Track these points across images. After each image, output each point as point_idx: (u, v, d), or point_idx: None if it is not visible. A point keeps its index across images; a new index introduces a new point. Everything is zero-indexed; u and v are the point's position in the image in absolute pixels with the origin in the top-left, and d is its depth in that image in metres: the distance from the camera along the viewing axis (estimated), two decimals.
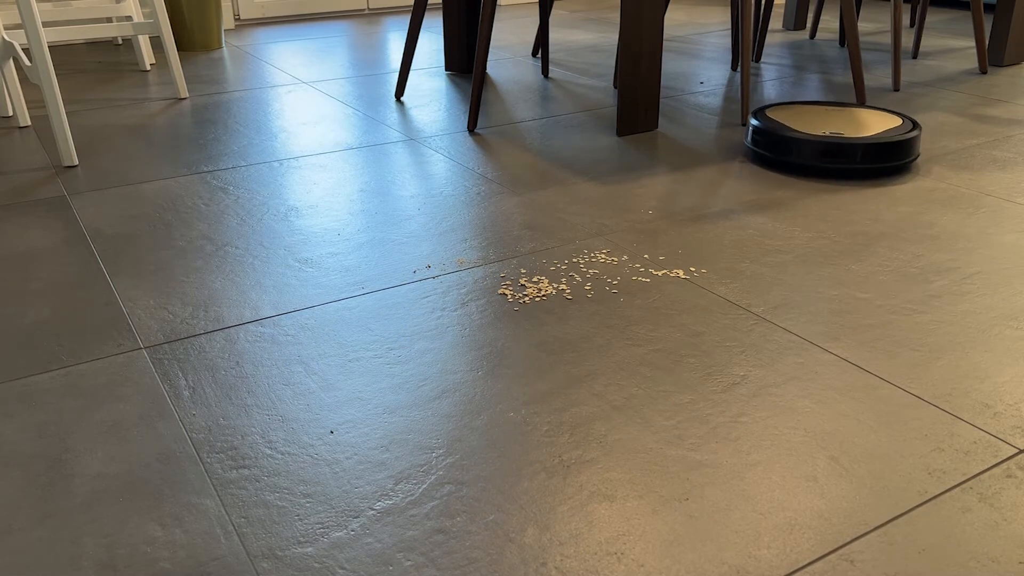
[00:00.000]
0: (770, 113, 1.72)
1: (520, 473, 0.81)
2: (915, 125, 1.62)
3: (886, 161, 1.55)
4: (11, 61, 1.83)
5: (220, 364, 1.00)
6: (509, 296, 1.15)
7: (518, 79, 2.31)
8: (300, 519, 0.76)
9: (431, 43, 2.77)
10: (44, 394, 0.94)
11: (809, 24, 2.96)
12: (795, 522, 0.75)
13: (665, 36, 2.87)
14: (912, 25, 2.93)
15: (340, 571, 0.71)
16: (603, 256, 1.26)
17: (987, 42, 2.53)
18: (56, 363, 1.00)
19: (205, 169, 1.63)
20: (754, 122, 1.65)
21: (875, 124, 1.64)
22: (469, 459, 0.83)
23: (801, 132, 1.58)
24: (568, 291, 1.16)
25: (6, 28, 2.43)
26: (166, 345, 1.04)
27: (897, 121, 1.64)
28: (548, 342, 1.03)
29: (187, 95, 2.15)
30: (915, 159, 1.59)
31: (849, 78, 2.28)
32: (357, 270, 1.22)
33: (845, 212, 1.41)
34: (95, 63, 2.53)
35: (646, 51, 1.77)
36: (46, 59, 1.59)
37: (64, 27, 1.95)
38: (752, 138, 1.66)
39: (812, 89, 2.18)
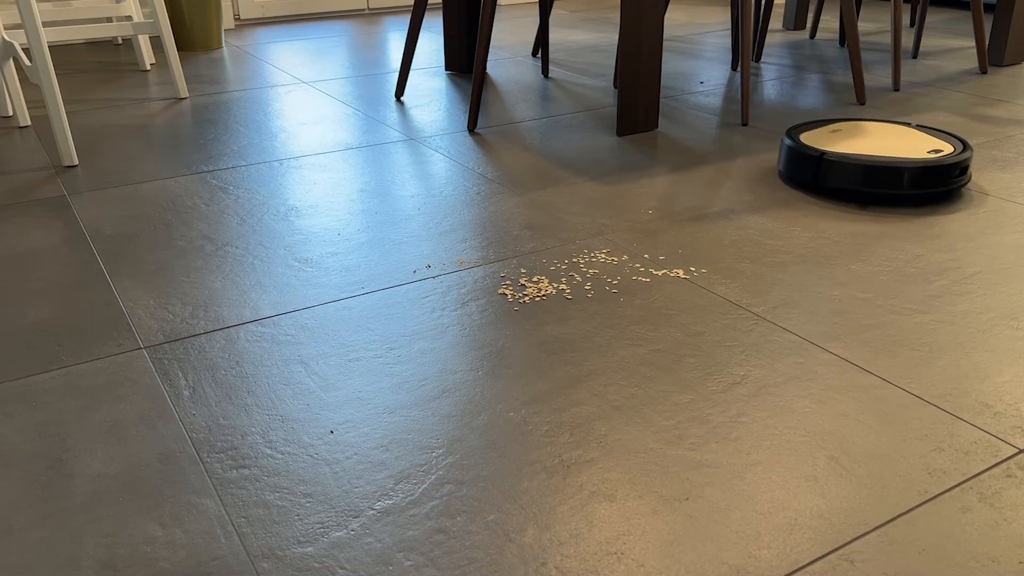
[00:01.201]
0: (806, 139, 1.53)
1: (520, 473, 0.81)
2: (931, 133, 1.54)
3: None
4: (11, 61, 1.83)
5: (220, 364, 1.00)
6: (509, 296, 1.15)
7: (518, 79, 2.31)
8: (300, 519, 0.76)
9: (431, 43, 2.77)
10: (44, 394, 0.94)
11: (809, 24, 2.96)
12: (795, 522, 0.75)
13: (665, 36, 2.87)
14: (912, 25, 2.93)
15: (340, 571, 0.70)
16: (603, 256, 1.26)
17: (987, 42, 2.53)
18: (56, 363, 1.00)
19: (205, 169, 1.63)
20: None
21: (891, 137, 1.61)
22: (469, 459, 0.83)
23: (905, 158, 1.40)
24: (568, 291, 1.16)
25: (6, 28, 2.43)
26: (166, 345, 1.04)
27: (907, 130, 1.64)
28: (548, 342, 1.03)
29: (187, 95, 2.15)
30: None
31: (849, 78, 2.28)
32: (357, 270, 1.22)
33: (844, 212, 1.41)
34: (95, 63, 2.53)
35: (646, 51, 1.77)
36: (46, 59, 1.59)
37: (64, 27, 1.95)
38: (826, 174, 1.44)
39: (812, 89, 2.18)
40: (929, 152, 1.43)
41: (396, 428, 0.88)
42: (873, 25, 2.99)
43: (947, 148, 1.47)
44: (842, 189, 1.45)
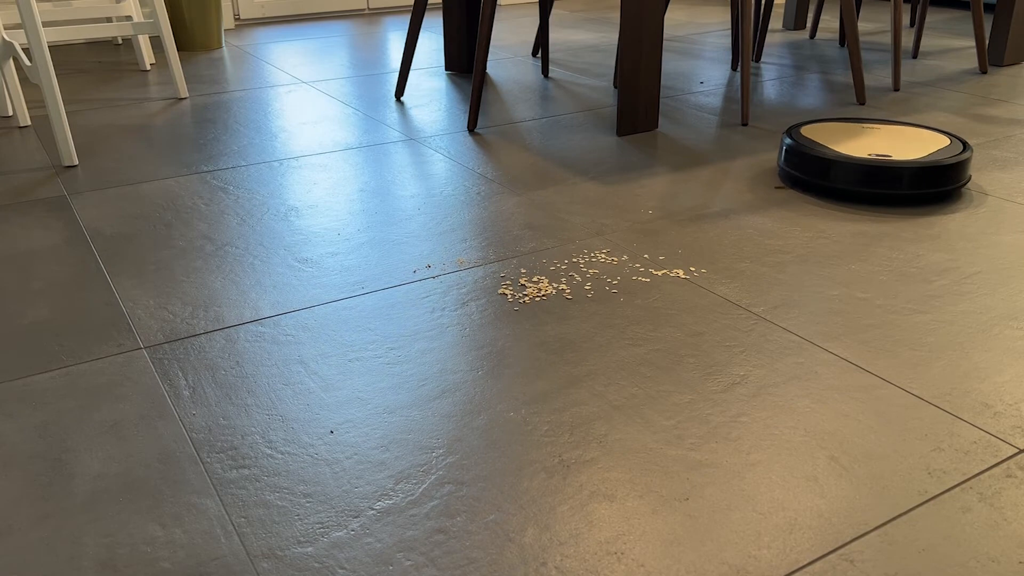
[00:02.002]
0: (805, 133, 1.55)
1: (520, 473, 0.81)
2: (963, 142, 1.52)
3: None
4: (11, 61, 1.83)
5: (220, 364, 1.00)
6: (509, 296, 1.15)
7: (518, 79, 2.31)
8: (300, 519, 0.76)
9: (431, 43, 2.77)
10: (44, 394, 0.94)
11: (809, 24, 2.96)
12: (795, 522, 0.75)
13: (665, 36, 2.87)
14: (912, 25, 2.93)
15: (340, 571, 0.71)
16: (603, 256, 1.26)
17: (987, 42, 2.53)
18: (56, 363, 1.00)
19: (205, 169, 1.63)
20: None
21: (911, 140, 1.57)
22: (469, 459, 0.83)
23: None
24: (568, 291, 1.16)
25: (6, 28, 2.43)
26: (166, 345, 1.04)
27: (934, 135, 1.59)
28: (548, 342, 1.03)
29: (187, 95, 2.15)
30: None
31: (849, 78, 2.28)
32: (357, 270, 1.22)
33: (844, 212, 1.41)
34: (95, 63, 2.53)
35: (646, 51, 1.77)
36: (46, 59, 1.59)
37: (64, 27, 1.95)
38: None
39: (812, 89, 2.18)
40: (871, 154, 1.46)
41: (396, 428, 0.88)
42: (873, 25, 2.99)
43: (896, 155, 1.47)
44: (794, 176, 1.51)
